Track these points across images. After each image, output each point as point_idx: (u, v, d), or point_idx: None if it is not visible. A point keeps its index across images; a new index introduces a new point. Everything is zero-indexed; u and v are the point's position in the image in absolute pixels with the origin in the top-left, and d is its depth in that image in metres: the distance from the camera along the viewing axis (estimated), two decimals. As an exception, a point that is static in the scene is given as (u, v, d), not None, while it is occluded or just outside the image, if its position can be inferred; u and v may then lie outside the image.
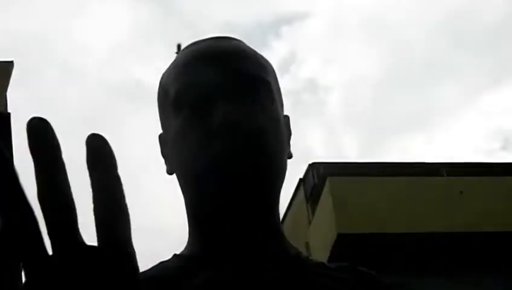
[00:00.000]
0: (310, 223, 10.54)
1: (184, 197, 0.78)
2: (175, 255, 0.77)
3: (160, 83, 0.82)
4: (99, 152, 0.41)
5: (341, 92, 25.01)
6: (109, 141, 0.42)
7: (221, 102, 0.72)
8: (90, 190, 0.41)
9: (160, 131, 0.83)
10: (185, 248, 0.78)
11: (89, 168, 0.41)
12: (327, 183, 9.75)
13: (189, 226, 0.78)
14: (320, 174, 10.55)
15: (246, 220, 0.73)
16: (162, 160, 0.82)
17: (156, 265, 0.75)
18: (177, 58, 0.82)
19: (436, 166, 10.90)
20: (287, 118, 0.84)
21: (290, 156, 0.80)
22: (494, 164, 11.36)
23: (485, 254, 9.24)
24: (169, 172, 0.79)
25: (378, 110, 23.22)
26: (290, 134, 0.83)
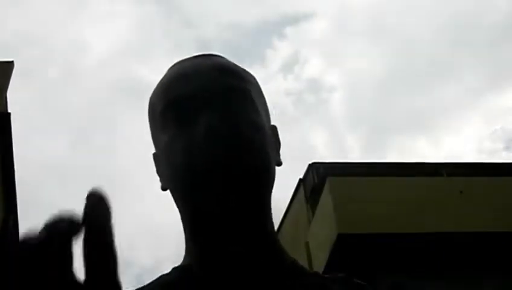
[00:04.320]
0: (310, 223, 10.54)
1: (178, 209, 0.80)
2: (174, 268, 0.79)
3: (149, 102, 0.85)
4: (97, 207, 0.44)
5: (343, 92, 25.02)
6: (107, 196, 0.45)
7: (203, 114, 0.74)
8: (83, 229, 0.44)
9: (153, 150, 0.84)
10: (183, 259, 0.80)
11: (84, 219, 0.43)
12: (327, 183, 9.75)
13: (185, 238, 0.80)
14: (320, 174, 10.55)
15: (236, 228, 0.74)
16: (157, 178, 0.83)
17: (157, 278, 0.78)
18: (162, 78, 0.84)
19: (436, 166, 10.90)
20: (274, 127, 0.85)
21: (279, 164, 0.81)
22: (494, 164, 11.36)
23: (485, 254, 9.24)
24: (163, 188, 0.81)
25: (380, 110, 23.23)
26: (278, 143, 0.84)
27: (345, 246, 8.91)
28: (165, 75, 0.84)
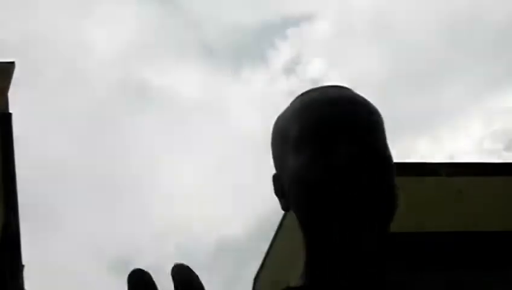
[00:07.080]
0: (310, 223, 10.54)
1: (304, 233, 0.83)
2: (288, 288, 0.82)
3: (276, 126, 0.88)
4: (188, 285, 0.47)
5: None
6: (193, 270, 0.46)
7: (343, 143, 0.77)
8: None
9: (274, 171, 0.87)
10: (300, 279, 0.83)
11: None
12: (327, 183, 9.76)
13: (307, 261, 0.83)
14: (320, 174, 10.55)
15: (363, 254, 0.78)
16: (276, 198, 0.87)
17: None
18: (293, 103, 0.87)
19: (436, 166, 10.91)
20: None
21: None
22: (494, 164, 11.35)
23: (484, 254, 9.25)
24: (286, 209, 0.85)
25: (381, 110, 23.21)
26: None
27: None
28: (296, 102, 0.86)
